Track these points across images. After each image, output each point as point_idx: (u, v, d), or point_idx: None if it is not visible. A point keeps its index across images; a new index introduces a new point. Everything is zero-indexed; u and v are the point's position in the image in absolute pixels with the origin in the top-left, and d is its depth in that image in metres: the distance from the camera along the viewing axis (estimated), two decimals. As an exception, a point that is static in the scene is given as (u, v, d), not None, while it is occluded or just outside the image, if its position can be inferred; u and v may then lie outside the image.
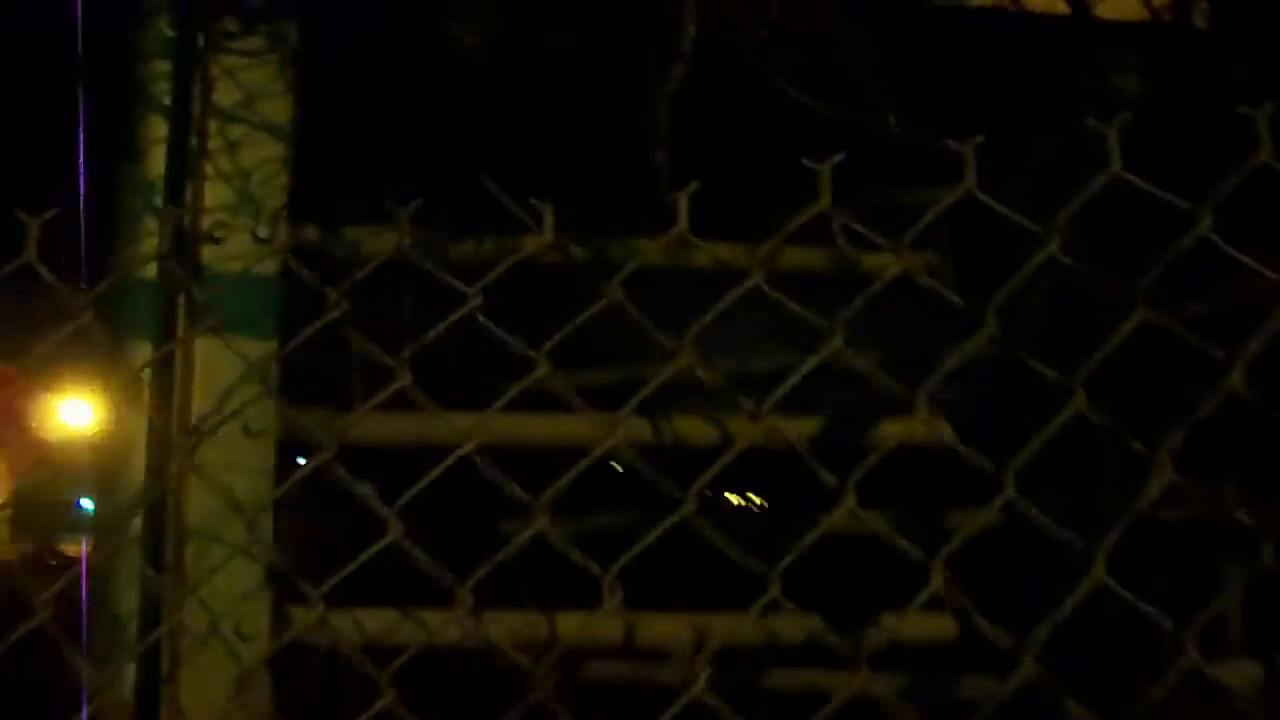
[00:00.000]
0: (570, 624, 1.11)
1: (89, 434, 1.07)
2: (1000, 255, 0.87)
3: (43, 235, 0.83)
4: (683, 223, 0.86)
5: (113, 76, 1.05)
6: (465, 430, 0.88)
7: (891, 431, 1.12)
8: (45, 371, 1.04)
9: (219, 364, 1.00)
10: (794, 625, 1.15)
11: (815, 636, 1.12)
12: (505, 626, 1.07)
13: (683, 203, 0.86)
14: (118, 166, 1.04)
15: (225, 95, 1.02)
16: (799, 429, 1.15)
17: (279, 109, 1.00)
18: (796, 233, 0.89)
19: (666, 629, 1.15)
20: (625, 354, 1.19)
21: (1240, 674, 1.22)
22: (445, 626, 1.03)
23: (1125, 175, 0.79)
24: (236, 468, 1.00)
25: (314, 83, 1.00)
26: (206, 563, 1.00)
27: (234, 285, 1.00)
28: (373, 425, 1.01)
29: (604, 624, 1.09)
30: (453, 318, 0.88)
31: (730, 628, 1.12)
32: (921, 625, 1.17)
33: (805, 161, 0.83)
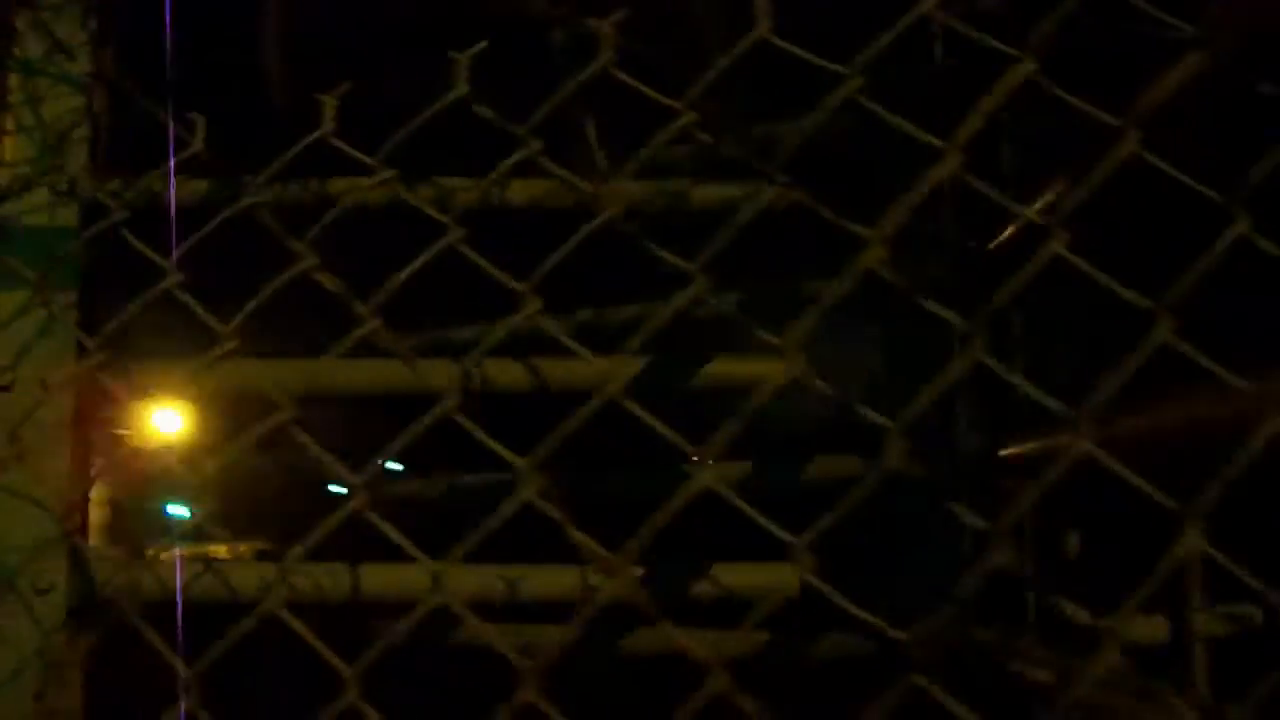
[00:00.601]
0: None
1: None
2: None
3: None
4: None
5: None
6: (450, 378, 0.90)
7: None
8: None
9: (20, 316, 1.00)
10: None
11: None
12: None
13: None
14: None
15: (30, 48, 1.03)
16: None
17: (82, 61, 1.01)
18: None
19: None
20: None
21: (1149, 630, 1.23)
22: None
23: (771, 37, 0.81)
24: (33, 422, 1.00)
25: (123, 34, 1.02)
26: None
27: (35, 238, 1.00)
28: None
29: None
30: (433, 250, 0.86)
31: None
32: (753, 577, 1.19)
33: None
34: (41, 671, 0.99)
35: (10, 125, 1.01)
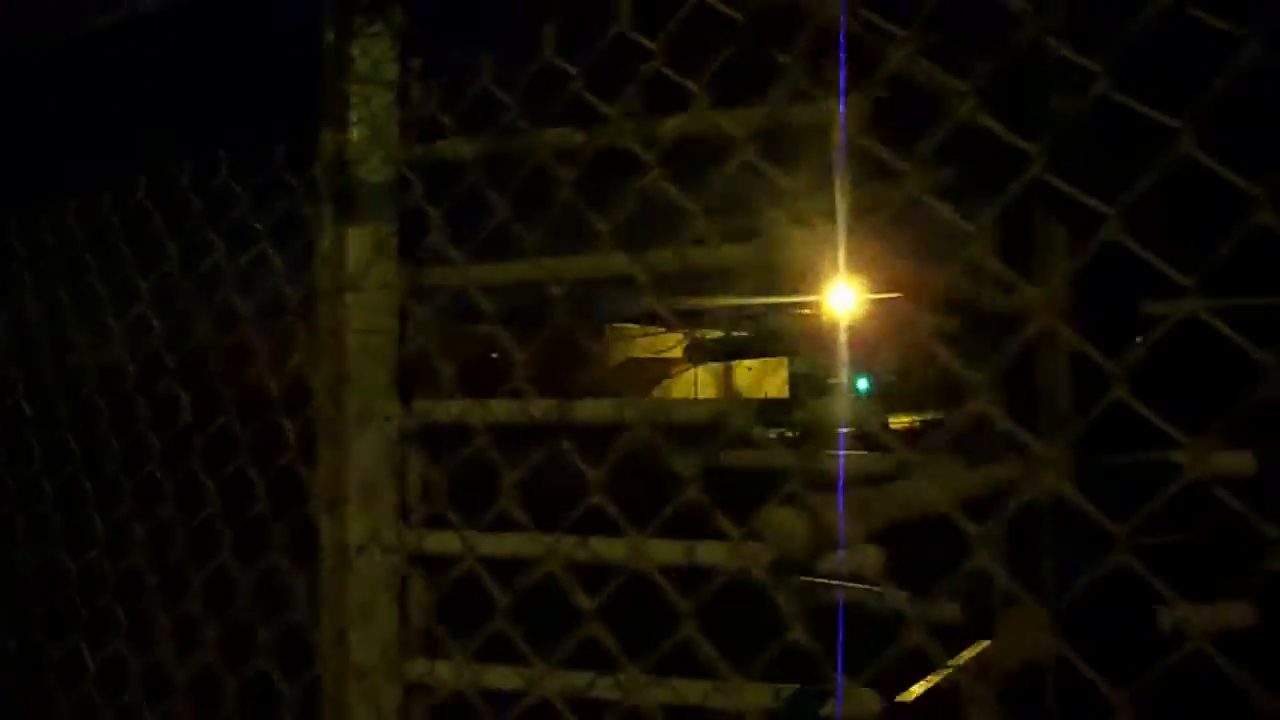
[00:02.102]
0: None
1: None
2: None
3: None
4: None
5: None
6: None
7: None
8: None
9: (363, 240, 1.56)
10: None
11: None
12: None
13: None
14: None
15: (361, 63, 1.57)
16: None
17: (390, 71, 1.55)
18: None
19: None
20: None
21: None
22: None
23: None
24: (377, 310, 1.57)
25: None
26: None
27: (371, 189, 1.56)
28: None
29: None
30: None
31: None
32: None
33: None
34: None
35: (353, 118, 1.56)
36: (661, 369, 21.17)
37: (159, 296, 1.90)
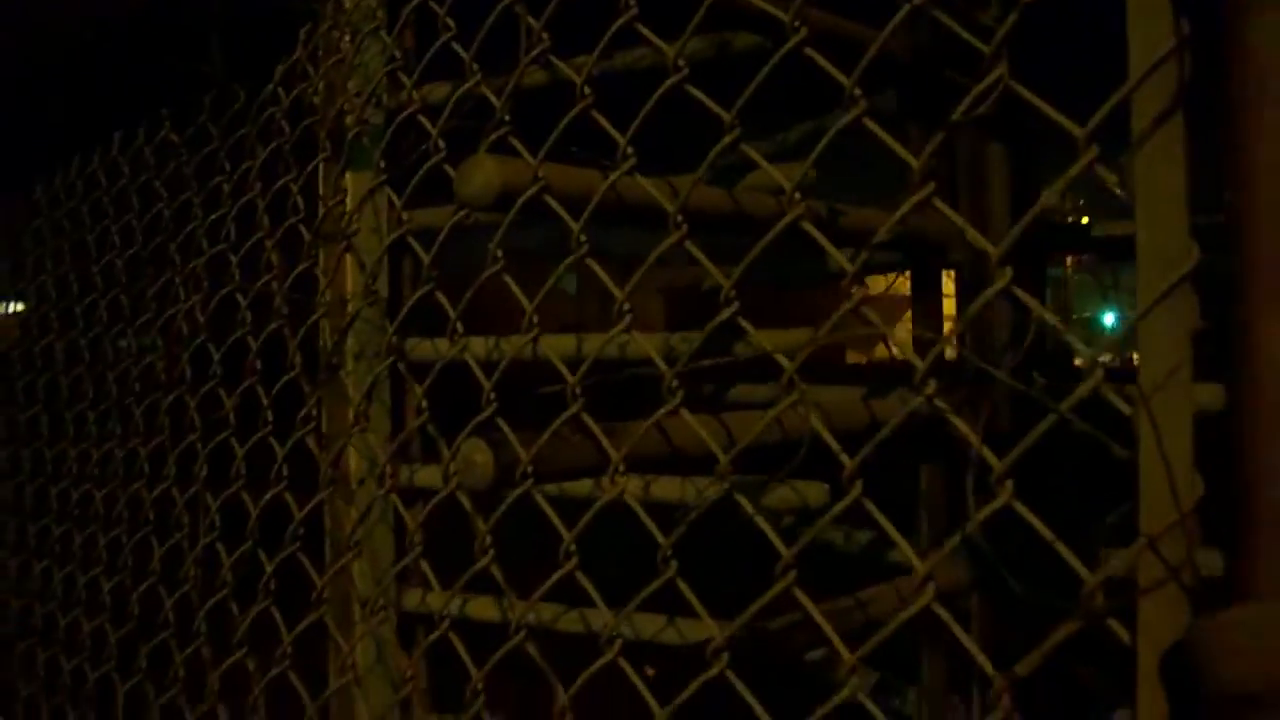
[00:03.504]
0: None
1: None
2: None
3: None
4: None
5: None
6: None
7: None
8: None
9: (357, 184, 1.63)
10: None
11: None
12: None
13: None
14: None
15: (353, 12, 1.63)
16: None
17: (379, 17, 1.60)
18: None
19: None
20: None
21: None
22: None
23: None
24: (371, 250, 1.63)
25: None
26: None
27: (362, 136, 1.62)
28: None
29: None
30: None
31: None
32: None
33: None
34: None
35: (346, 68, 1.62)
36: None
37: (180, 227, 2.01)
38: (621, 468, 1.10)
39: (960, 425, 0.90)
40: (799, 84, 1.08)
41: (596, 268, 1.23)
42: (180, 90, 1.92)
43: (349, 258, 1.64)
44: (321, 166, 1.65)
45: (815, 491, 1.31)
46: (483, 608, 1.59)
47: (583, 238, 1.16)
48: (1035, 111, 0.89)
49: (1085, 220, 1.65)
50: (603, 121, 1.19)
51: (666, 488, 1.47)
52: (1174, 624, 0.73)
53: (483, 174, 1.13)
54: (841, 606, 1.28)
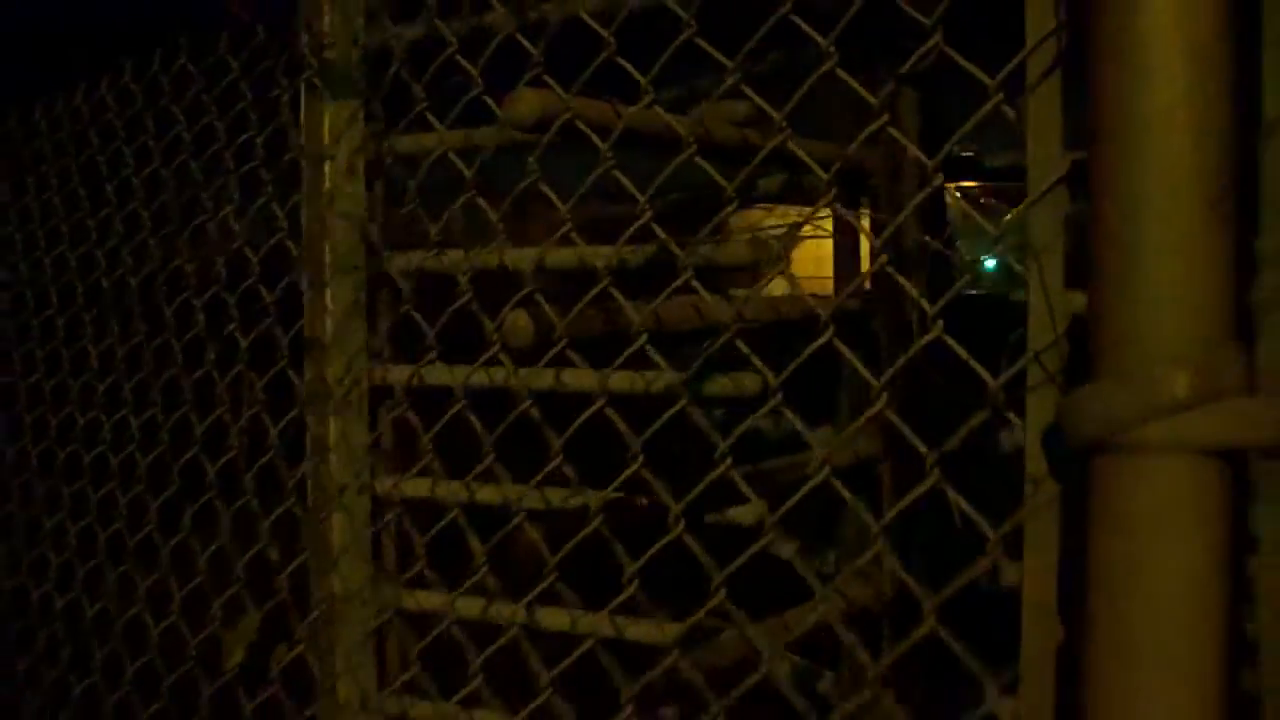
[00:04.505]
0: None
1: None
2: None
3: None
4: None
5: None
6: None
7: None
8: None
9: (336, 113, 1.80)
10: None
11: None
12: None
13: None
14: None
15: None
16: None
17: None
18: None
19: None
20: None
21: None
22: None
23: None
24: (348, 173, 1.80)
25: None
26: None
27: (341, 69, 1.79)
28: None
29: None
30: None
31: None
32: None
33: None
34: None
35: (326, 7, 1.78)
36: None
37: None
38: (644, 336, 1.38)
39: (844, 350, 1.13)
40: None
41: (549, 192, 1.45)
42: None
43: (329, 175, 1.81)
44: (304, 94, 1.81)
45: (751, 381, 1.51)
46: (466, 605, 1.70)
47: (609, 154, 1.39)
48: (948, 63, 1.12)
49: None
50: (627, 66, 1.38)
51: (620, 380, 1.63)
52: (1050, 414, 0.96)
53: (526, 103, 1.39)
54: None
